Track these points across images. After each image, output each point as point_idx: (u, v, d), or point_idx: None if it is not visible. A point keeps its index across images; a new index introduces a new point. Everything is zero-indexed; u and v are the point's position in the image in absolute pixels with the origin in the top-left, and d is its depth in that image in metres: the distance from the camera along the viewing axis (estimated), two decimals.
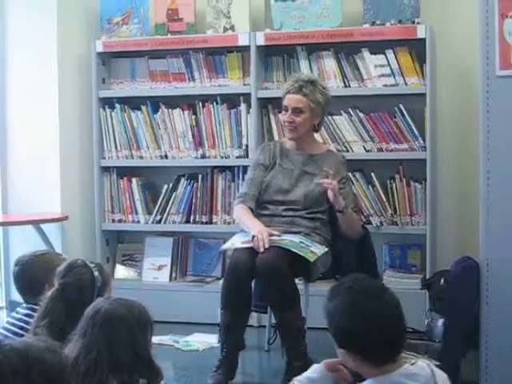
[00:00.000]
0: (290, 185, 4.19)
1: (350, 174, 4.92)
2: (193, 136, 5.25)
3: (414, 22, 4.82)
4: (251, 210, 4.17)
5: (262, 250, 3.82)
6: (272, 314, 4.34)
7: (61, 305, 2.79)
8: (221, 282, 5.17)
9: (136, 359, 2.32)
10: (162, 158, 5.32)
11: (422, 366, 2.25)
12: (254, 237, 3.89)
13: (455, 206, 5.07)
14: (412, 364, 2.24)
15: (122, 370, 2.29)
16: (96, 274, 2.89)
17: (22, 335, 2.95)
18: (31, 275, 3.26)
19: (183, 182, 5.31)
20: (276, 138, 5.03)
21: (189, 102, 5.28)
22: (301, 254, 3.86)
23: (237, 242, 4.05)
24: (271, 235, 3.90)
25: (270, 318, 4.47)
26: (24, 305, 3.27)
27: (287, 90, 4.18)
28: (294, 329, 3.84)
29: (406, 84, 4.89)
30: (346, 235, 4.17)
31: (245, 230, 4.11)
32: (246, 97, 5.11)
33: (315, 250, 3.96)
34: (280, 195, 4.18)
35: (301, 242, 3.96)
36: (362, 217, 4.87)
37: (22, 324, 3.11)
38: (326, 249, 4.04)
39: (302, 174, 4.21)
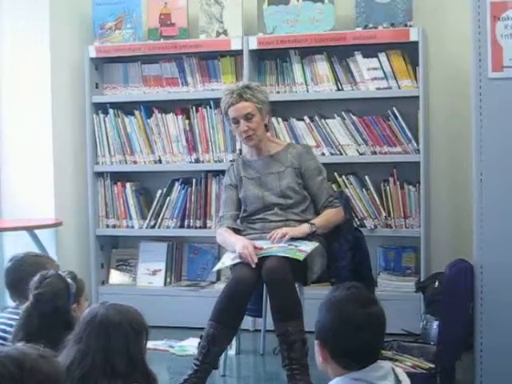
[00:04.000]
0: (261, 191, 4.19)
1: (343, 177, 4.95)
2: (186, 140, 5.26)
3: (406, 25, 4.83)
4: (233, 228, 4.18)
5: (253, 265, 3.82)
6: (264, 321, 4.36)
7: (36, 317, 2.80)
8: (216, 286, 5.21)
9: (131, 365, 2.32)
10: (155, 162, 5.32)
11: (380, 362, 2.28)
12: (240, 254, 3.88)
13: (449, 208, 5.08)
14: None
15: (117, 376, 2.29)
16: (70, 281, 2.90)
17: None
18: (19, 272, 3.34)
19: (177, 186, 5.31)
20: None
21: (182, 107, 5.29)
22: (288, 255, 3.83)
23: (227, 261, 4.03)
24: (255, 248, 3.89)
25: (265, 323, 4.47)
26: (9, 308, 3.33)
27: (229, 103, 4.14)
28: (297, 339, 3.73)
29: (399, 87, 4.90)
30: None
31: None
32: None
33: (304, 247, 3.93)
34: (258, 203, 4.18)
35: (289, 244, 3.94)
36: (356, 220, 4.88)
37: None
38: (317, 244, 4.00)
39: (266, 176, 4.20)
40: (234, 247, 3.99)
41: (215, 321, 3.80)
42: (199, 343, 3.86)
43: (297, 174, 4.19)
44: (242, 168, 4.27)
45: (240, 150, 5.09)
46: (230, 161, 4.77)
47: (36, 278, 2.90)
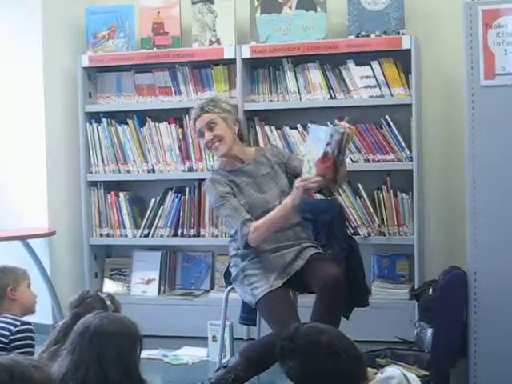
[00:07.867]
0: (262, 195, 4.05)
1: None
2: (180, 149, 5.26)
3: (398, 33, 4.84)
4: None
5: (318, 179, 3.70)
6: (258, 329, 4.33)
7: None
8: (209, 295, 5.21)
9: (125, 375, 2.32)
10: (149, 171, 5.32)
11: (392, 369, 2.26)
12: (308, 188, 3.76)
13: (442, 216, 5.09)
14: (381, 373, 2.24)
15: None
16: (108, 303, 2.95)
17: None
18: None
19: (170, 195, 5.31)
20: None
21: (175, 116, 5.28)
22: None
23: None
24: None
25: (259, 331, 4.46)
26: None
27: (193, 119, 4.09)
28: None
29: (392, 95, 4.90)
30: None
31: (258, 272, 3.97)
32: (233, 109, 5.10)
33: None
34: (263, 207, 4.01)
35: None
36: (350, 228, 4.89)
37: None
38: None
39: (261, 178, 4.08)
40: (286, 207, 3.86)
41: (246, 358, 3.72)
42: (218, 369, 3.79)
43: (283, 170, 4.10)
44: (232, 176, 4.08)
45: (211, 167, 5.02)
46: (212, 172, 4.41)
47: (76, 297, 3.00)
